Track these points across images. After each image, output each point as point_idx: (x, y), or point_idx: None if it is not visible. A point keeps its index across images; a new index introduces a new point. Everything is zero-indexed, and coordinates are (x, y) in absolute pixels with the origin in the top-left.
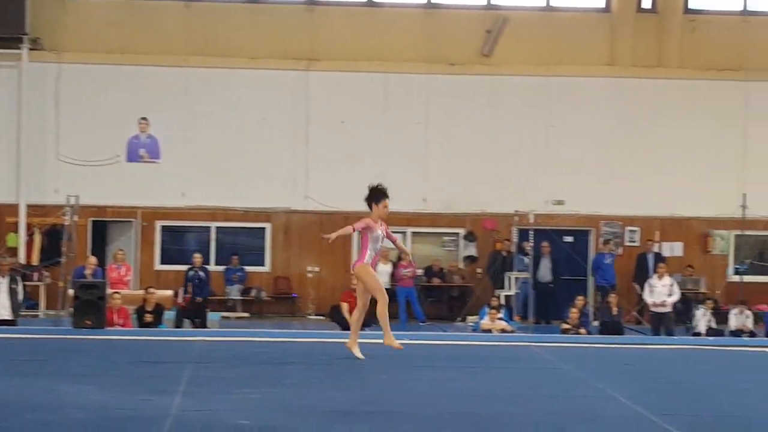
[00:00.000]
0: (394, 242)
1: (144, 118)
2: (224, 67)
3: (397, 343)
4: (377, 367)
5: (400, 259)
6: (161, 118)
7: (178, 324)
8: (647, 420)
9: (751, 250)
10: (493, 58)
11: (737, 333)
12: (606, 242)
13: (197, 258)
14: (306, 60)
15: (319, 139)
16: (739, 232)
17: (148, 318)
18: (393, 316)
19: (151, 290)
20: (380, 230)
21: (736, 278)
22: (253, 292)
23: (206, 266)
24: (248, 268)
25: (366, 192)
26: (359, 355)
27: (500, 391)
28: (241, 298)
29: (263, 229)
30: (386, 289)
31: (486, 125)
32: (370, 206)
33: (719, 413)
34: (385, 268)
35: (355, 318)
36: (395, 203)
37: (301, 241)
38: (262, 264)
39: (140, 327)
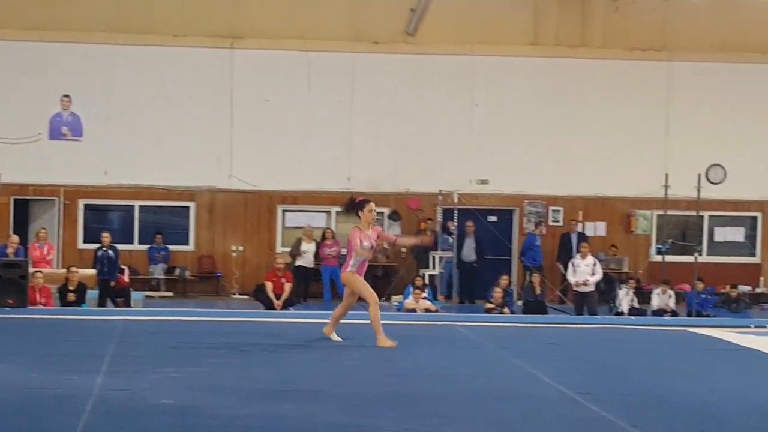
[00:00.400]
0: (390, 241)
1: (66, 96)
2: (147, 44)
3: (389, 342)
4: (301, 346)
5: (324, 238)
6: (84, 95)
7: (101, 303)
8: (569, 399)
9: (673, 229)
10: (417, 36)
11: (659, 312)
12: (537, 224)
13: (106, 237)
14: (230, 38)
15: (243, 118)
16: (661, 212)
17: (71, 297)
18: (317, 295)
19: (73, 269)
20: (368, 241)
21: (659, 258)
22: (177, 271)
23: (115, 245)
24: (172, 247)
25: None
26: (336, 338)
27: (424, 370)
28: (165, 277)
29: (187, 208)
30: (311, 268)
31: (411, 104)
32: (358, 216)
33: (640, 392)
34: (309, 248)
35: (337, 312)
36: (319, 182)
37: (225, 220)
38: (186, 243)
39: (63, 306)
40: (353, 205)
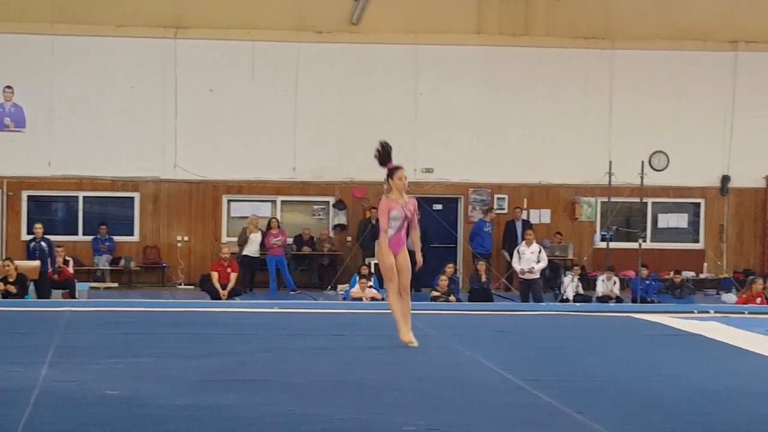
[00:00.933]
0: (410, 231)
1: (9, 87)
2: (90, 35)
3: (409, 337)
4: (247, 336)
5: (269, 227)
6: (27, 86)
7: (42, 295)
8: (515, 385)
9: (616, 216)
10: (361, 26)
11: (604, 299)
12: (487, 211)
13: (38, 228)
14: (173, 28)
15: (187, 108)
16: (605, 199)
17: (11, 289)
18: (263, 285)
19: (7, 262)
20: (399, 210)
21: (603, 245)
22: (122, 262)
23: (48, 237)
24: (117, 238)
25: (375, 154)
26: (414, 342)
27: (370, 359)
28: (110, 268)
29: (132, 198)
30: (257, 257)
31: (355, 94)
32: (388, 183)
33: (585, 379)
34: (255, 237)
35: (398, 305)
36: (264, 171)
37: (170, 211)
38: (131, 234)
39: (3, 298)
40: (384, 159)
